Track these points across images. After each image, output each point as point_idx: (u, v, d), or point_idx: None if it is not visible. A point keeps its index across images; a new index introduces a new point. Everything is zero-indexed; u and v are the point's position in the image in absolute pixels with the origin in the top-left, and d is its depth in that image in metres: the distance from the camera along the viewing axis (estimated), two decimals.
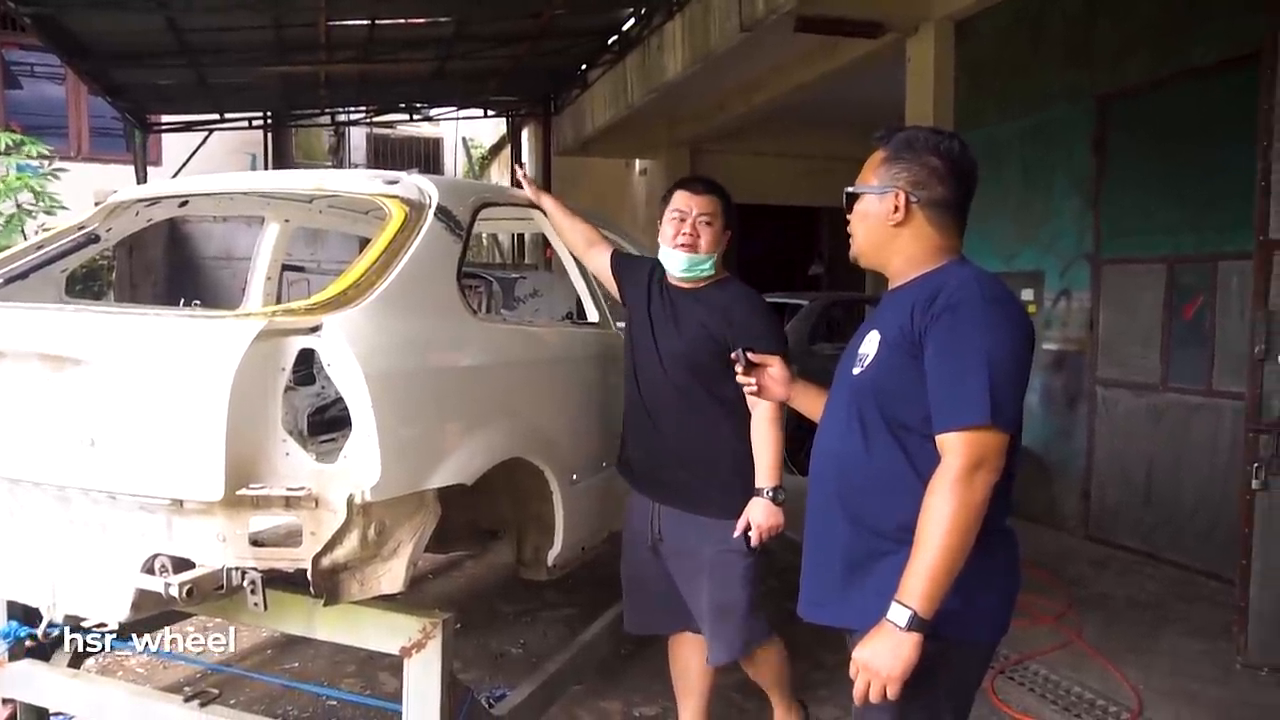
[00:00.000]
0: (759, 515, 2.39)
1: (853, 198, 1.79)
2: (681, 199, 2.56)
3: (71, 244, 2.81)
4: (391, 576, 1.98)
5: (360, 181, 2.56)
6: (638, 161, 12.75)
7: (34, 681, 2.67)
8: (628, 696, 3.31)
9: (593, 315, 3.17)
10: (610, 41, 8.87)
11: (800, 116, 9.34)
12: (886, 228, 1.74)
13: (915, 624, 1.49)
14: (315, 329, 1.90)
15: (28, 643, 2.69)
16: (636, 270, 2.71)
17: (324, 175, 2.62)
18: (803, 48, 7.48)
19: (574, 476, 2.67)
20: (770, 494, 2.40)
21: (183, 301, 3.28)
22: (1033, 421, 5.81)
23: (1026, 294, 5.87)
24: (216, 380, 1.78)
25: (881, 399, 1.68)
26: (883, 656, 1.50)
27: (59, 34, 6.78)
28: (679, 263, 2.53)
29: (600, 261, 2.81)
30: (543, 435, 2.48)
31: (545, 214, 2.92)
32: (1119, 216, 5.18)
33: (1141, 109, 5.05)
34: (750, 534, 2.40)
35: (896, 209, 1.70)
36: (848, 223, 1.83)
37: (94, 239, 2.83)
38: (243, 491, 1.83)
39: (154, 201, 2.90)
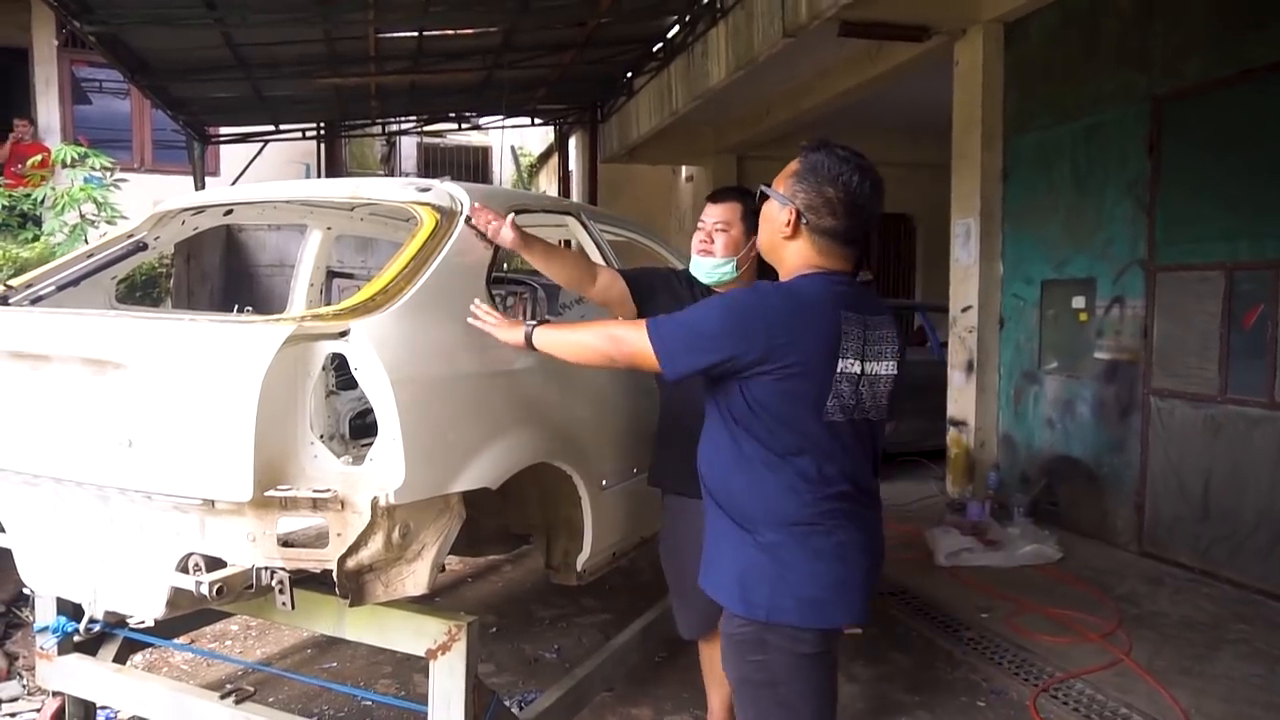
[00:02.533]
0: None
1: (764, 197, 1.95)
2: (705, 210, 2.66)
3: (121, 252, 2.91)
4: (416, 579, 2.00)
5: (394, 189, 2.61)
6: (684, 168, 12.75)
7: (81, 675, 2.76)
8: (658, 704, 3.29)
9: None
10: (655, 49, 8.90)
11: (847, 122, 9.24)
12: (778, 235, 1.91)
13: None
14: (343, 334, 1.94)
15: (75, 638, 2.78)
16: (657, 279, 2.70)
17: (360, 183, 2.67)
18: (848, 52, 7.42)
19: (603, 482, 2.66)
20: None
21: (236, 308, 3.37)
22: (1084, 432, 5.66)
23: (1078, 301, 5.73)
24: (245, 384, 1.82)
25: None
26: None
27: (122, 50, 7.04)
28: (698, 268, 2.62)
29: (610, 285, 2.61)
30: (570, 440, 2.48)
31: (528, 254, 2.52)
32: (1174, 222, 5.02)
33: (1198, 111, 4.89)
34: None
35: (788, 224, 1.87)
36: (757, 210, 2.00)
37: (142, 247, 2.93)
38: (271, 493, 1.87)
39: (199, 210, 2.99)
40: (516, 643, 3.86)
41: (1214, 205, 4.77)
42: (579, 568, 2.66)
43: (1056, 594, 4.55)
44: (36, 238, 6.78)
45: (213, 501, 1.92)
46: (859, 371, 1.83)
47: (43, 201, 7.06)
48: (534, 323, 2.11)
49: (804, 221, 1.85)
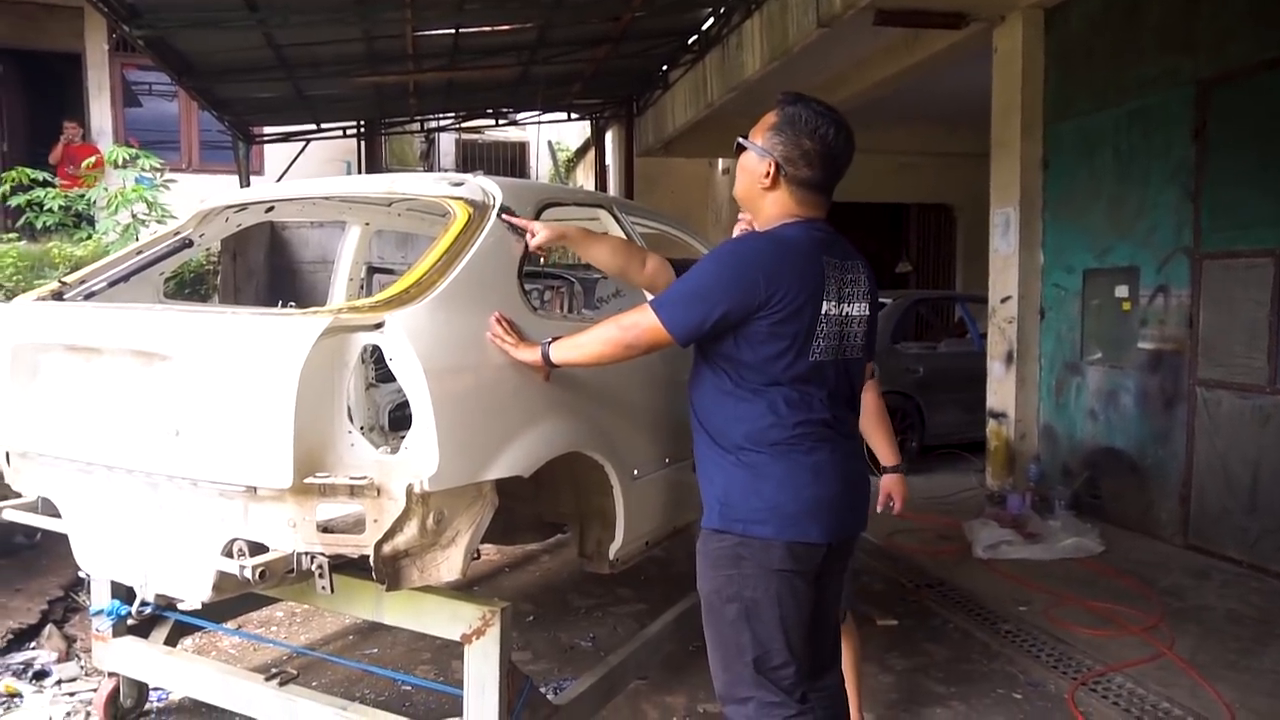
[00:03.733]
0: (899, 488, 2.74)
1: (742, 148, 2.02)
2: None
3: (168, 248, 3.00)
4: (450, 565, 2.05)
5: (427, 184, 2.65)
6: (720, 161, 12.71)
7: (135, 657, 2.87)
8: (693, 692, 3.32)
9: None
10: (690, 41, 8.89)
11: (884, 112, 9.17)
12: (757, 186, 1.99)
13: None
14: (378, 325, 1.99)
15: (129, 621, 2.89)
16: None
17: (395, 178, 2.72)
18: (883, 42, 7.36)
19: (635, 471, 2.69)
20: (900, 469, 2.78)
21: (280, 303, 3.46)
22: (1127, 423, 5.56)
23: (1121, 290, 5.63)
24: (285, 374, 1.88)
25: None
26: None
27: (168, 53, 7.22)
28: None
29: (658, 270, 2.54)
30: (602, 430, 2.51)
31: (570, 244, 2.51)
32: (1221, 208, 4.90)
33: (1246, 94, 4.77)
34: (892, 504, 2.75)
35: (767, 175, 1.96)
36: (737, 158, 2.05)
37: (188, 244, 3.02)
38: (310, 480, 1.93)
39: (242, 208, 3.07)
40: (553, 631, 3.91)
41: (1263, 191, 4.65)
42: (611, 556, 2.69)
43: (1098, 587, 4.49)
44: (90, 237, 7.01)
45: (255, 488, 1.99)
46: (837, 312, 1.95)
47: (94, 202, 7.29)
48: (548, 340, 2.14)
49: (783, 172, 1.94)
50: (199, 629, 3.24)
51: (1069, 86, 5.96)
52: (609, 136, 12.88)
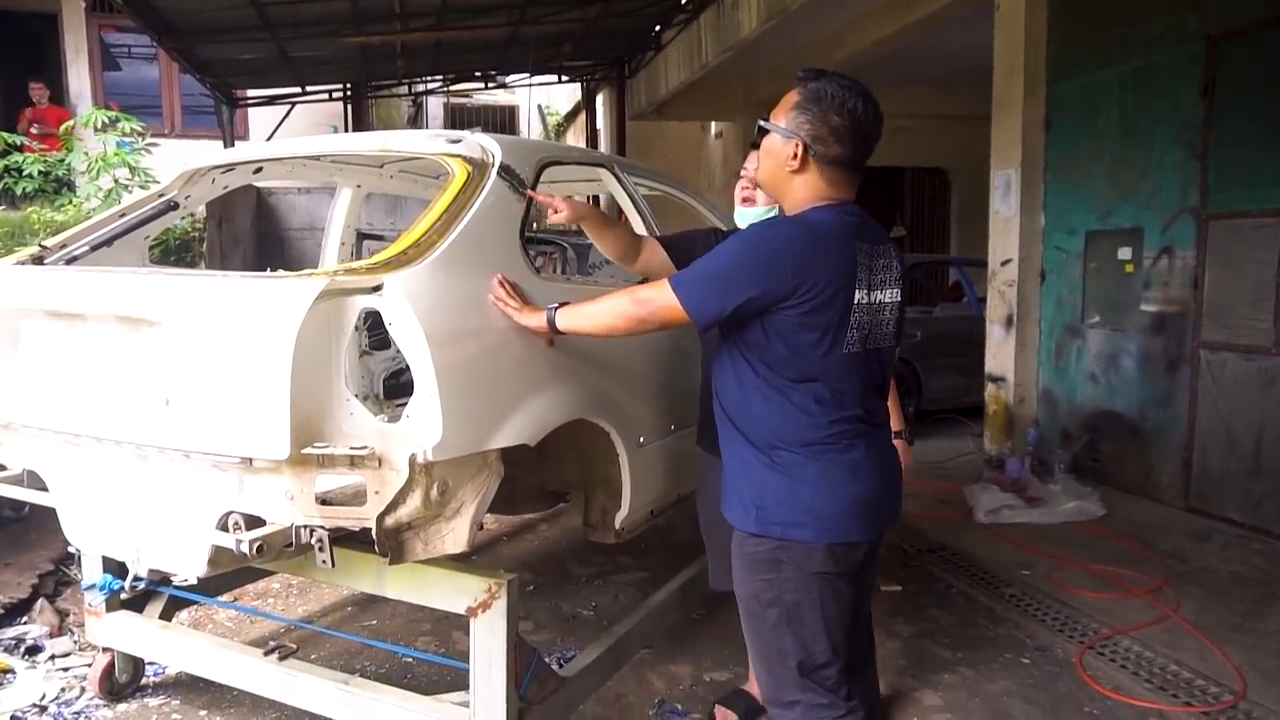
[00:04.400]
0: (902, 455, 2.56)
1: (764, 131, 1.90)
2: (748, 158, 2.51)
3: (153, 211, 2.89)
4: (455, 536, 1.98)
5: (423, 141, 2.55)
6: (713, 125, 12.54)
7: (129, 632, 2.81)
8: (698, 661, 3.28)
9: None
10: (684, 1, 8.69)
11: (881, 74, 8.95)
12: (784, 170, 1.87)
13: None
14: (376, 288, 1.89)
15: (122, 595, 2.82)
16: (696, 241, 2.59)
17: (389, 136, 2.61)
18: (879, 1, 7.20)
19: (640, 439, 2.63)
20: (905, 435, 2.59)
21: (268, 269, 3.35)
22: (1129, 386, 5.52)
23: (1124, 252, 5.56)
24: (280, 340, 1.79)
25: None
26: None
27: (147, 12, 7.00)
28: (742, 218, 2.56)
29: (651, 256, 2.52)
30: (608, 396, 2.44)
31: (586, 225, 2.48)
32: (1229, 168, 4.82)
33: (1257, 51, 4.66)
34: None
35: (795, 156, 1.84)
36: (756, 145, 1.96)
37: (173, 206, 2.91)
38: (308, 450, 1.85)
39: (229, 168, 2.96)
40: (554, 600, 3.86)
41: (1272, 150, 4.57)
42: (617, 526, 2.63)
43: (1100, 550, 4.47)
44: (71, 203, 6.83)
45: (250, 460, 1.90)
46: (868, 300, 1.85)
47: (74, 168, 7.09)
48: (554, 306, 2.06)
49: (811, 152, 1.83)
50: (194, 603, 3.18)
51: (1072, 45, 5.83)
52: (600, 99, 12.66)
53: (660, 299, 1.86)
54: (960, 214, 12.62)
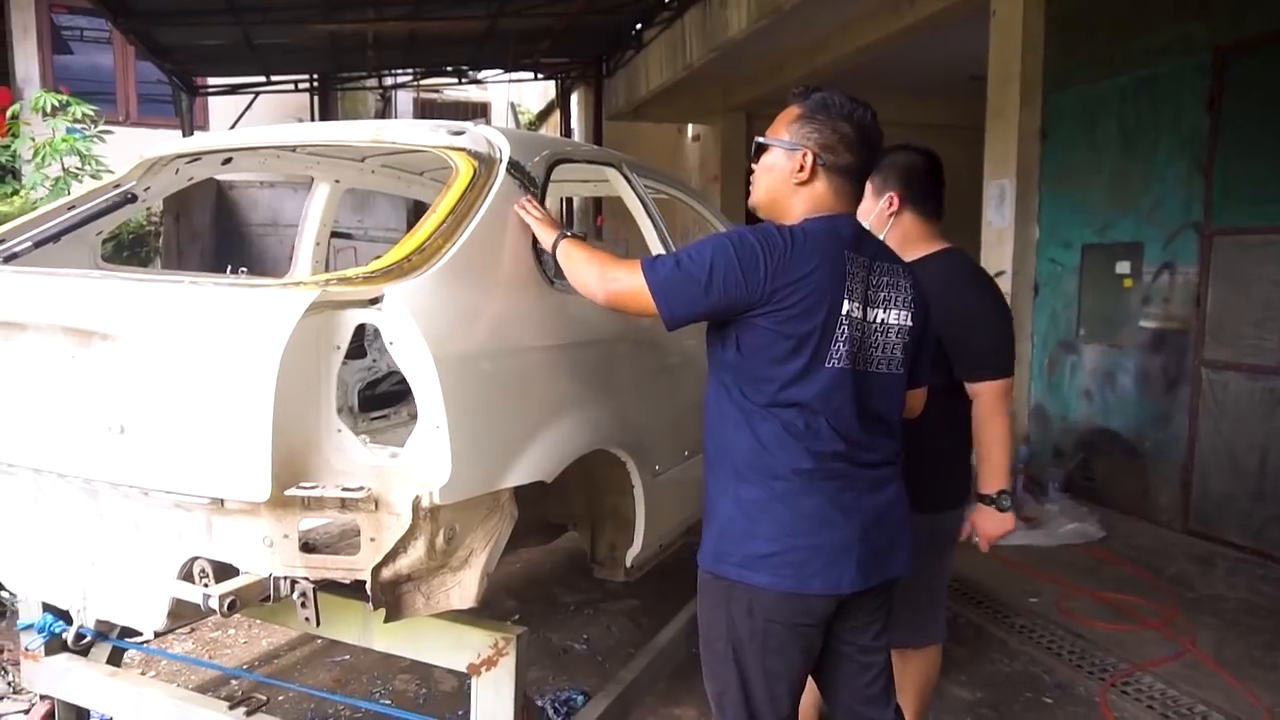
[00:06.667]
0: (986, 523, 2.30)
1: (762, 149, 1.82)
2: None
3: (107, 204, 2.57)
4: (462, 590, 1.71)
5: (422, 133, 2.26)
6: (690, 127, 12.33)
7: (72, 678, 2.47)
8: (702, 704, 3.02)
9: None
10: None
11: (865, 80, 8.82)
12: (789, 183, 1.78)
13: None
14: (375, 301, 1.62)
15: (65, 637, 2.49)
16: None
17: (382, 125, 2.33)
18: (873, 3, 7.04)
19: (656, 467, 2.38)
20: (996, 500, 2.25)
21: (230, 269, 3.04)
22: (1125, 405, 5.39)
23: (1122, 267, 5.43)
24: (261, 360, 1.51)
25: None
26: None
27: None
28: None
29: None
30: (628, 422, 2.18)
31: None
32: (1235, 182, 4.70)
33: (1265, 63, 4.55)
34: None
35: (802, 168, 1.75)
36: (750, 172, 1.86)
37: (131, 198, 2.58)
38: (292, 491, 1.57)
39: (195, 158, 2.64)
40: (542, 632, 3.59)
41: None
42: (628, 563, 2.38)
43: (1103, 575, 4.32)
44: (16, 192, 6.39)
45: (221, 500, 1.61)
46: (860, 315, 1.72)
47: (19, 155, 6.65)
48: (569, 232, 1.91)
49: (821, 161, 1.75)
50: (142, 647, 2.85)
51: (1071, 54, 5.70)
52: (574, 99, 12.37)
53: (628, 281, 1.73)
54: (948, 225, 12.56)
